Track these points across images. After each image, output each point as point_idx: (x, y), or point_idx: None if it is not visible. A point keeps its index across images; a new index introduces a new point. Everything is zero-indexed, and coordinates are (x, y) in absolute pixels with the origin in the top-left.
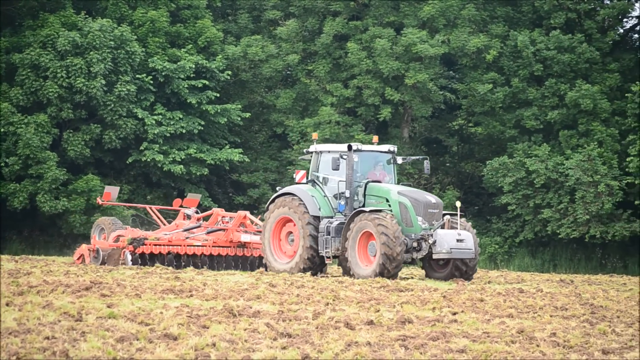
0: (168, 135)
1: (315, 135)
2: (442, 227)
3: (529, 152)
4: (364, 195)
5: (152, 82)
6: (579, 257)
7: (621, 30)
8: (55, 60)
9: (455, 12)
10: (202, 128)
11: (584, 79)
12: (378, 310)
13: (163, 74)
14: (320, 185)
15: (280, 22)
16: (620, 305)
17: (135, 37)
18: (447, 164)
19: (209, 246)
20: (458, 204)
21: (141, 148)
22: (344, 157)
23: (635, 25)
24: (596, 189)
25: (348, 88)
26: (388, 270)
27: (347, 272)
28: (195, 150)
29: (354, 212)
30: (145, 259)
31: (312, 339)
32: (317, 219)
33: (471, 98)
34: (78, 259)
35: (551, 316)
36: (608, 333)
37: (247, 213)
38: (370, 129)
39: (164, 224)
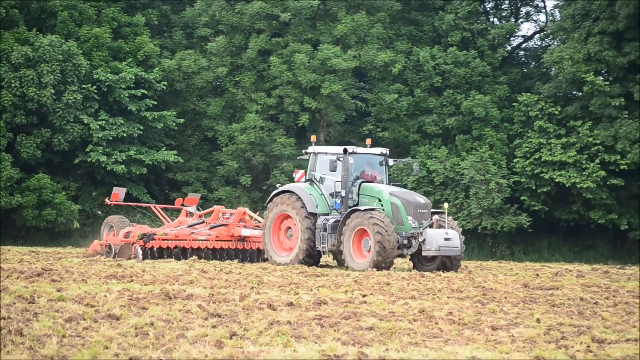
0: (111, 138)
1: (313, 138)
2: (431, 226)
3: (430, 153)
4: (358, 194)
5: (96, 91)
6: (472, 246)
7: (509, 48)
8: (10, 71)
9: (365, 30)
10: (141, 132)
11: (477, 90)
12: (297, 293)
13: (106, 84)
14: (317, 184)
15: (211, 39)
16: (507, 288)
17: (81, 51)
18: None
19: (212, 240)
20: (446, 205)
21: (87, 150)
22: (341, 159)
23: (521, 44)
24: (487, 186)
25: (271, 97)
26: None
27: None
28: (135, 152)
29: (349, 210)
30: (154, 253)
31: (239, 318)
32: (314, 215)
33: (379, 106)
34: (92, 253)
35: (448, 297)
36: (497, 312)
37: (247, 209)
38: (291, 133)
39: (168, 221)
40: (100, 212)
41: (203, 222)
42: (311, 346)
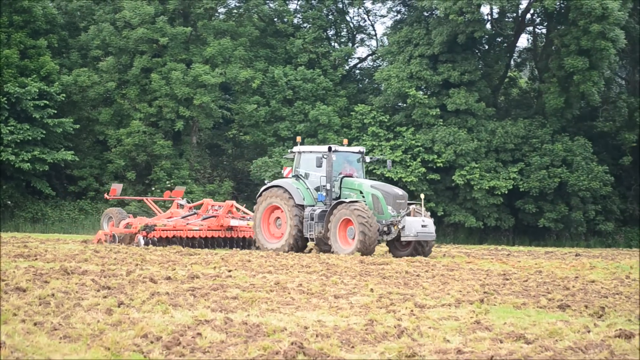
0: (18, 141)
1: (299, 139)
2: (408, 214)
3: (283, 154)
4: (340, 187)
5: (6, 102)
6: None
7: (347, 67)
8: None
9: (229, 52)
10: (43, 136)
11: (322, 101)
12: (174, 269)
13: (14, 96)
14: (303, 179)
15: (102, 59)
16: (347, 264)
17: None
18: (224, 163)
19: (205, 230)
20: (422, 196)
21: None
22: (325, 156)
23: (356, 64)
24: None
25: (152, 107)
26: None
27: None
28: (39, 152)
29: (335, 202)
30: (154, 242)
31: (126, 290)
32: (302, 207)
33: (241, 114)
34: (98, 241)
35: (299, 272)
36: (339, 283)
37: (234, 202)
38: (168, 137)
39: (160, 212)
40: (9, 202)
41: (195, 213)
42: (186, 313)
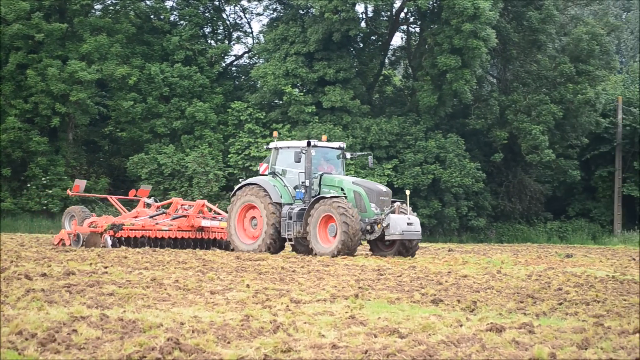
0: None
1: (275, 134)
2: (393, 212)
3: (160, 150)
4: (319, 185)
5: None
6: None
7: (224, 64)
8: None
9: (106, 49)
10: None
11: (198, 98)
12: (50, 266)
13: None
14: (280, 176)
15: None
16: (223, 260)
17: None
18: (101, 159)
19: (174, 230)
20: (407, 192)
21: None
22: (304, 151)
23: (233, 61)
24: (207, 177)
25: (28, 103)
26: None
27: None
28: None
29: (315, 198)
30: (122, 242)
31: (0, 287)
32: (279, 205)
33: (118, 111)
34: (58, 243)
35: (175, 268)
36: (215, 279)
37: (205, 202)
38: (44, 133)
39: (125, 211)
40: None
41: (164, 213)
42: (61, 309)
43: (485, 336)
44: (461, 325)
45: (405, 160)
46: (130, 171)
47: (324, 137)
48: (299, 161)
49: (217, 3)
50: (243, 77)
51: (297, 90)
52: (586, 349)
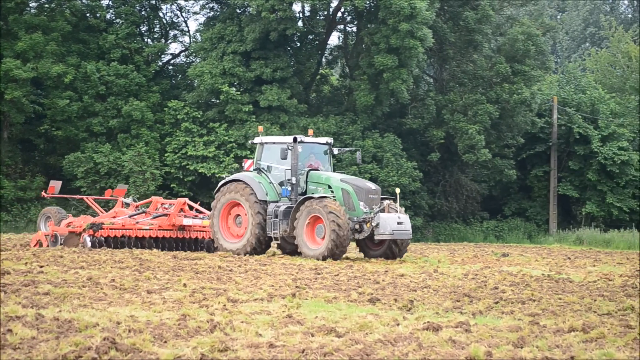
0: None
1: (260, 129)
2: (382, 210)
3: (96, 149)
4: (306, 182)
5: None
6: None
7: (160, 63)
8: None
9: (41, 47)
10: None
11: (135, 97)
12: None
13: None
14: (265, 173)
15: None
16: (160, 259)
17: None
18: (36, 158)
19: (155, 229)
20: (397, 190)
21: None
22: (291, 147)
23: (169, 60)
24: (144, 176)
25: None
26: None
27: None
28: None
29: (302, 197)
30: (102, 242)
31: None
32: (265, 202)
33: (54, 110)
34: (35, 244)
35: (111, 267)
36: (152, 278)
37: (186, 200)
38: None
39: (102, 212)
40: None
41: (143, 212)
42: None
43: (422, 335)
44: (398, 324)
45: (342, 159)
46: (66, 170)
47: (311, 132)
48: (285, 158)
49: (153, 1)
50: (180, 75)
51: (234, 89)
52: (522, 347)
